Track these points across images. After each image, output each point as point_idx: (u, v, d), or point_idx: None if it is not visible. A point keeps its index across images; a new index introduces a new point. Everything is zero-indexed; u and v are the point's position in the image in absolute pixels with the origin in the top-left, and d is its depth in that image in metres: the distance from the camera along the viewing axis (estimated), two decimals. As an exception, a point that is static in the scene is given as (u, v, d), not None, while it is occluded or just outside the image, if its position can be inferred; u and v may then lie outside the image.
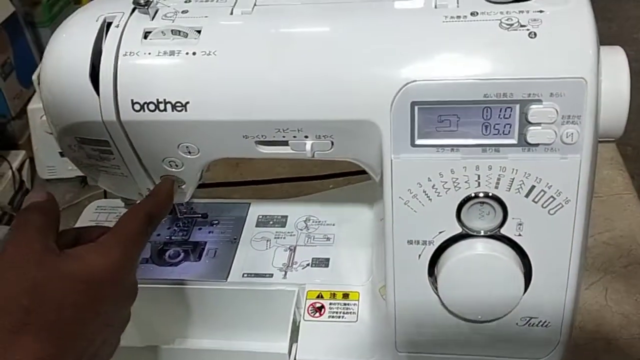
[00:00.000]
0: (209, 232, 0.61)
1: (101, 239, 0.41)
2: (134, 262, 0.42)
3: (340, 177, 0.78)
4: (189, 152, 0.46)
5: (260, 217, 0.63)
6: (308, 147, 0.45)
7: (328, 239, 0.60)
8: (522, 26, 0.40)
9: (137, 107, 0.44)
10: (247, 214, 0.63)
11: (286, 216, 0.62)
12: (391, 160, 0.43)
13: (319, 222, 0.61)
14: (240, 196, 0.77)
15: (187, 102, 0.43)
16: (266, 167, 0.84)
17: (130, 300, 0.43)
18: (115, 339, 0.42)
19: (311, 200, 0.65)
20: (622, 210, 0.73)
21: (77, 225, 0.64)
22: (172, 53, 0.43)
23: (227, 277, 0.56)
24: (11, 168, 1.08)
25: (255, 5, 0.45)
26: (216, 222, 0.62)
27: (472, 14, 0.42)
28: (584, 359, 0.60)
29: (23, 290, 0.36)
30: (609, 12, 2.54)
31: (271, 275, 0.56)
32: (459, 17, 0.42)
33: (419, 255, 0.46)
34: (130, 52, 0.44)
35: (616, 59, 0.43)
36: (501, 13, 0.41)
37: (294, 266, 0.57)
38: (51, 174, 0.92)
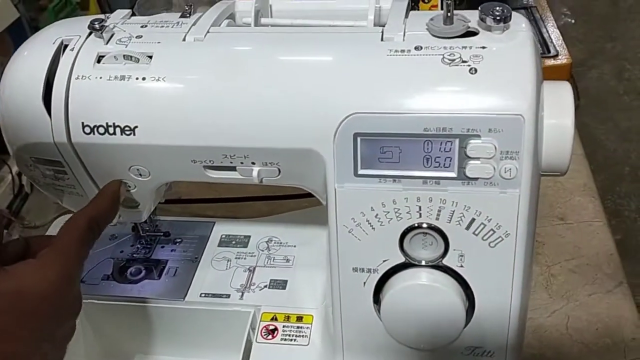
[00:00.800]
0: (171, 251, 0.62)
1: (41, 253, 0.41)
2: (74, 274, 0.42)
3: (314, 197, 0.78)
4: (140, 175, 0.47)
5: (224, 236, 0.63)
6: (255, 173, 0.45)
7: (288, 260, 0.60)
8: (463, 62, 0.41)
9: (87, 129, 0.44)
10: (210, 233, 0.64)
11: (249, 236, 0.63)
12: (335, 189, 0.44)
13: (281, 243, 0.62)
14: (213, 213, 0.77)
15: (136, 127, 0.44)
16: (240, 185, 0.84)
17: (72, 314, 0.42)
18: (58, 353, 0.42)
19: (275, 220, 0.66)
20: (591, 238, 0.73)
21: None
22: (122, 77, 0.44)
23: (185, 296, 0.57)
24: (11, 172, 1.09)
25: (208, 32, 0.46)
26: (179, 240, 0.63)
27: (416, 48, 0.42)
28: (541, 387, 0.60)
29: None
30: (613, 32, 2.54)
31: (228, 296, 0.57)
32: (403, 50, 0.42)
33: (364, 283, 0.46)
34: (83, 76, 0.44)
35: (561, 95, 0.43)
36: (444, 48, 0.42)
37: (252, 287, 0.58)
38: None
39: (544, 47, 0.87)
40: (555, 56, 0.84)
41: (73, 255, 0.41)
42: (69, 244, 0.42)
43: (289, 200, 0.78)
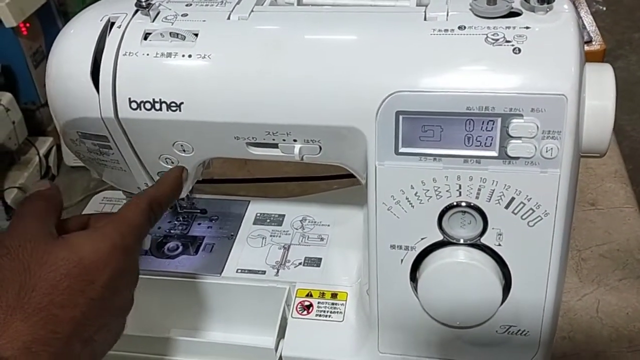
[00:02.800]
0: (208, 227, 0.63)
1: (100, 225, 0.42)
2: (132, 248, 0.43)
3: (345, 179, 0.79)
4: (184, 151, 0.48)
5: (259, 214, 0.64)
6: (296, 150, 0.46)
7: (322, 239, 0.61)
8: (507, 42, 0.41)
9: (134, 105, 0.45)
10: (245, 211, 0.65)
11: (283, 215, 0.64)
12: (375, 167, 0.44)
13: (315, 222, 0.63)
14: (245, 193, 0.79)
15: (182, 103, 0.45)
16: (273, 166, 0.85)
17: (129, 286, 0.43)
18: (116, 324, 0.43)
19: (309, 200, 0.66)
20: (622, 223, 0.73)
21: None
22: (169, 55, 0.45)
23: (222, 271, 0.58)
24: (38, 154, 1.11)
25: (252, 11, 0.46)
26: (215, 217, 0.64)
27: (459, 27, 0.43)
28: (570, 369, 0.60)
29: (16, 275, 0.37)
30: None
31: (264, 272, 0.58)
32: (446, 30, 0.43)
33: (402, 260, 0.47)
34: (130, 52, 0.45)
35: (603, 77, 0.43)
36: (488, 28, 0.42)
37: (287, 264, 0.59)
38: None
39: (577, 32, 0.87)
40: (589, 42, 0.84)
41: (132, 229, 0.42)
42: (129, 219, 0.43)
43: (319, 182, 0.79)
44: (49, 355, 0.36)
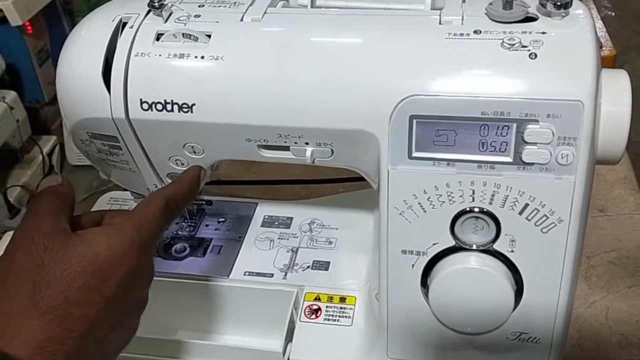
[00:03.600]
0: (215, 229, 0.62)
1: (115, 221, 0.42)
2: (148, 246, 0.42)
3: (351, 182, 0.78)
4: (194, 152, 0.48)
5: (267, 217, 0.64)
6: (308, 153, 0.46)
7: (330, 242, 0.61)
8: (523, 47, 0.41)
9: (145, 106, 0.45)
10: (253, 214, 0.64)
11: (291, 218, 0.64)
12: (388, 171, 0.44)
13: (323, 225, 0.63)
14: (252, 195, 0.78)
15: (194, 104, 0.44)
16: (280, 168, 0.85)
17: (144, 284, 0.42)
18: (130, 323, 0.42)
19: (317, 203, 0.66)
20: (632, 230, 0.72)
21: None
22: (181, 56, 0.45)
23: (229, 274, 0.58)
24: (42, 153, 1.11)
25: (265, 13, 0.46)
26: (223, 219, 0.63)
27: (475, 32, 0.42)
28: (580, 377, 0.60)
29: (30, 272, 0.36)
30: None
31: (272, 275, 0.57)
32: (462, 34, 0.42)
33: (413, 265, 0.47)
34: (142, 53, 0.45)
35: (619, 83, 0.43)
36: (504, 33, 0.42)
37: (295, 267, 0.58)
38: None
39: (586, 38, 0.86)
40: (600, 47, 0.83)
41: (148, 227, 0.41)
42: (146, 216, 0.42)
43: (325, 185, 0.79)
44: (64, 355, 0.35)
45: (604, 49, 0.84)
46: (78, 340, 0.36)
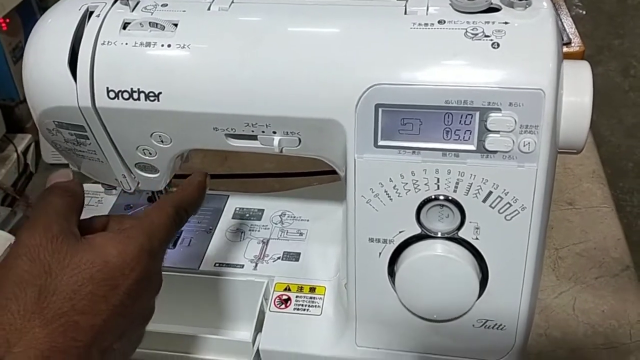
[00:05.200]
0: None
1: (124, 228, 0.40)
2: (158, 253, 0.41)
3: (325, 175, 0.79)
4: (162, 141, 0.48)
5: (238, 209, 0.64)
6: (276, 142, 0.46)
7: (301, 234, 0.61)
8: (486, 36, 0.42)
9: (112, 94, 0.45)
10: (225, 206, 0.64)
11: (263, 210, 0.64)
12: (354, 160, 0.44)
13: (294, 217, 0.63)
14: (226, 188, 0.78)
15: (160, 93, 0.44)
16: (254, 162, 0.85)
17: (152, 293, 0.41)
18: (136, 333, 0.41)
19: (289, 195, 0.66)
20: (599, 223, 0.74)
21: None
22: (148, 44, 0.45)
23: (200, 265, 0.58)
24: (17, 151, 1.10)
25: (232, 2, 0.46)
26: (194, 211, 0.63)
27: (439, 22, 0.43)
28: (546, 365, 0.61)
29: (36, 277, 0.35)
30: (621, 29, 2.55)
31: (242, 266, 0.58)
32: (426, 24, 0.43)
33: (380, 253, 0.47)
34: (108, 42, 0.45)
35: (580, 74, 0.44)
36: (467, 23, 0.42)
37: (265, 259, 0.58)
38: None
39: (556, 34, 0.87)
40: (568, 44, 0.85)
41: (157, 234, 0.40)
42: (155, 223, 0.41)
43: (300, 178, 0.79)
44: None
45: (573, 45, 0.85)
46: (82, 351, 0.35)
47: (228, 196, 0.66)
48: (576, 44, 0.86)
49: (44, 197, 0.39)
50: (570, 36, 0.87)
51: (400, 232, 0.46)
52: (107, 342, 0.37)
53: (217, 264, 0.58)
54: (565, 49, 0.85)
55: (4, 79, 1.77)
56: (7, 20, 1.69)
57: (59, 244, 0.36)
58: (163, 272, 0.57)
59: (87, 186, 0.67)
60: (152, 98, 0.45)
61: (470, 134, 0.42)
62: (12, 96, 1.82)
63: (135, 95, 0.45)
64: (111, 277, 0.36)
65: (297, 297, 0.55)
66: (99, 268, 0.36)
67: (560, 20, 0.92)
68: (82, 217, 0.63)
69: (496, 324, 0.48)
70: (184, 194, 0.45)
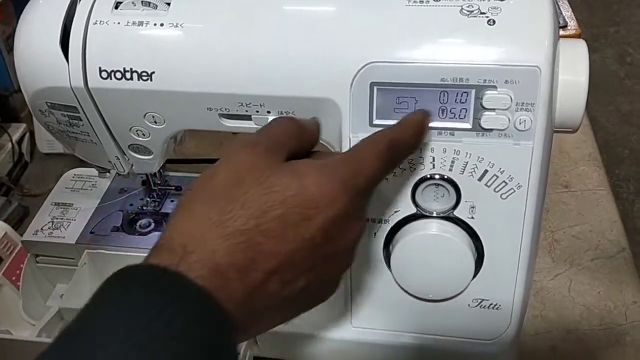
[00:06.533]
0: (181, 205, 0.62)
1: (331, 159, 0.37)
2: (363, 194, 0.37)
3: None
4: (155, 122, 0.47)
5: (233, 192, 0.64)
6: (270, 122, 0.46)
7: (296, 216, 0.61)
8: (482, 13, 0.41)
9: (104, 74, 0.45)
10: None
11: (258, 193, 0.63)
12: (350, 139, 0.44)
13: (290, 200, 0.62)
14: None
15: (153, 72, 0.44)
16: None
17: (350, 239, 0.36)
18: (324, 280, 0.37)
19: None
20: (595, 205, 0.73)
21: (52, 194, 0.65)
22: (140, 23, 0.44)
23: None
24: (11, 140, 1.09)
25: (226, -20, 0.46)
26: (189, 195, 0.63)
27: (435, -1, 0.42)
28: (542, 346, 0.61)
29: (227, 188, 0.33)
30: (617, 17, 2.54)
31: (237, 249, 0.57)
32: (422, 1, 0.42)
33: (375, 233, 0.47)
34: (100, 21, 0.45)
35: (577, 52, 0.43)
36: (463, 0, 0.42)
37: (261, 241, 0.58)
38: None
39: (552, 17, 0.87)
40: (565, 27, 0.84)
41: (367, 172, 0.37)
42: (364, 160, 0.37)
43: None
44: (242, 287, 0.31)
45: (569, 27, 0.85)
46: (261, 275, 0.32)
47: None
48: (572, 27, 0.85)
49: (281, 120, 0.38)
50: (567, 19, 0.87)
51: (395, 211, 0.46)
52: (289, 275, 0.34)
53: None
54: (561, 32, 0.85)
55: (-2, 68, 1.76)
56: (0, 9, 1.68)
57: (260, 161, 0.34)
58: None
59: (79, 170, 0.67)
60: (145, 78, 0.44)
61: (465, 112, 0.42)
62: (7, 85, 1.81)
63: (128, 75, 0.44)
64: (305, 206, 0.33)
65: (292, 279, 0.55)
66: (294, 193, 0.33)
67: (557, 2, 0.91)
68: (75, 202, 0.64)
69: (491, 304, 0.48)
70: (399, 133, 0.40)
